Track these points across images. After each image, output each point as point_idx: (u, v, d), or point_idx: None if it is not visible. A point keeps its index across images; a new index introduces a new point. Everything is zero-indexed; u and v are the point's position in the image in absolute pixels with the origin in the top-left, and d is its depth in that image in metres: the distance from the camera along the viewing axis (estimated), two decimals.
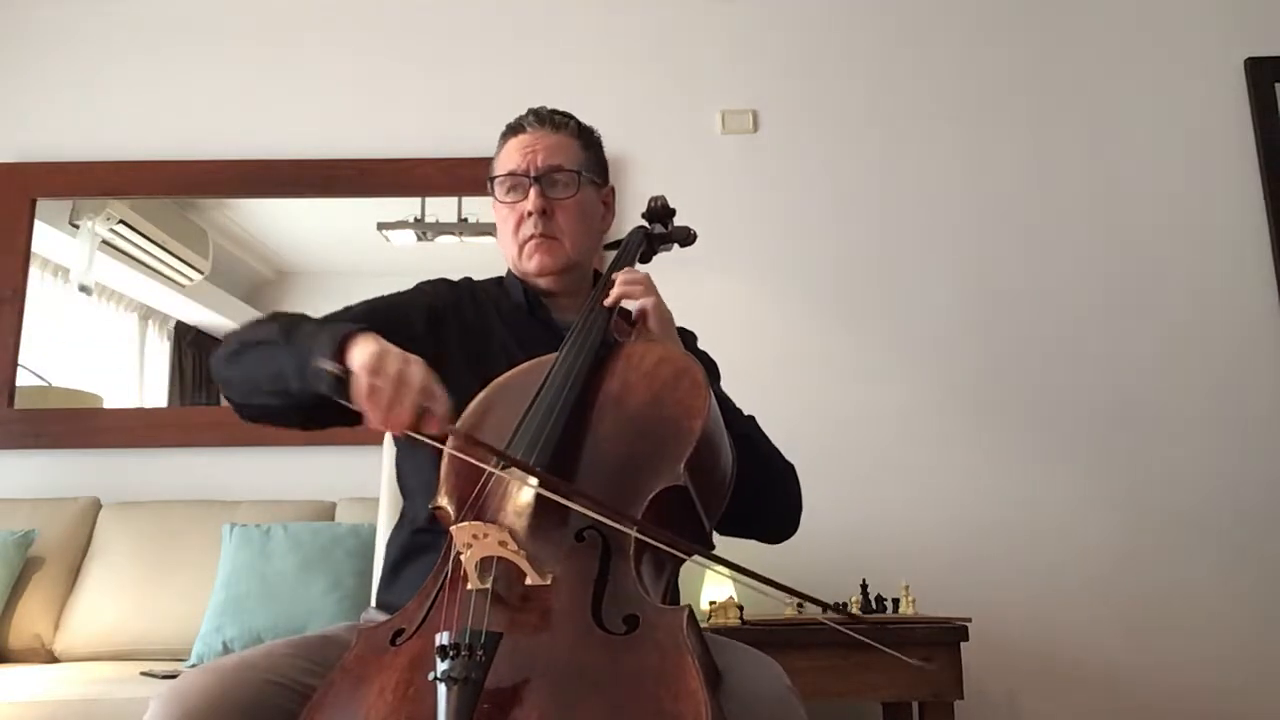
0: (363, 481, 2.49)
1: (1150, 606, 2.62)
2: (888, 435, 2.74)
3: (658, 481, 0.97)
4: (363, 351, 0.98)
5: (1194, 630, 2.61)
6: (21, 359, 2.79)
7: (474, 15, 3.06)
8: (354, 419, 1.02)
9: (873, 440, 2.73)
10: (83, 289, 2.91)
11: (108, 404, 2.86)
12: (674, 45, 3.03)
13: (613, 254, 1.41)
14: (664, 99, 2.98)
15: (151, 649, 2.33)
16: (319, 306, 1.23)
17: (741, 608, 2.11)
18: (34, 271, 2.87)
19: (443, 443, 1.03)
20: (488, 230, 2.90)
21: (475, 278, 1.44)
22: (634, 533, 0.92)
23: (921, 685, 1.99)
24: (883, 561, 2.44)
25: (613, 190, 1.44)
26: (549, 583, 0.89)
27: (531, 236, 1.31)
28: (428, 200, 2.94)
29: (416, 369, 0.98)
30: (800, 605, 2.19)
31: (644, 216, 1.47)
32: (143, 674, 2.01)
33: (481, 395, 1.16)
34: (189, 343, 2.99)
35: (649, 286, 1.24)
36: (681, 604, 0.90)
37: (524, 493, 0.99)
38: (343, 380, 0.97)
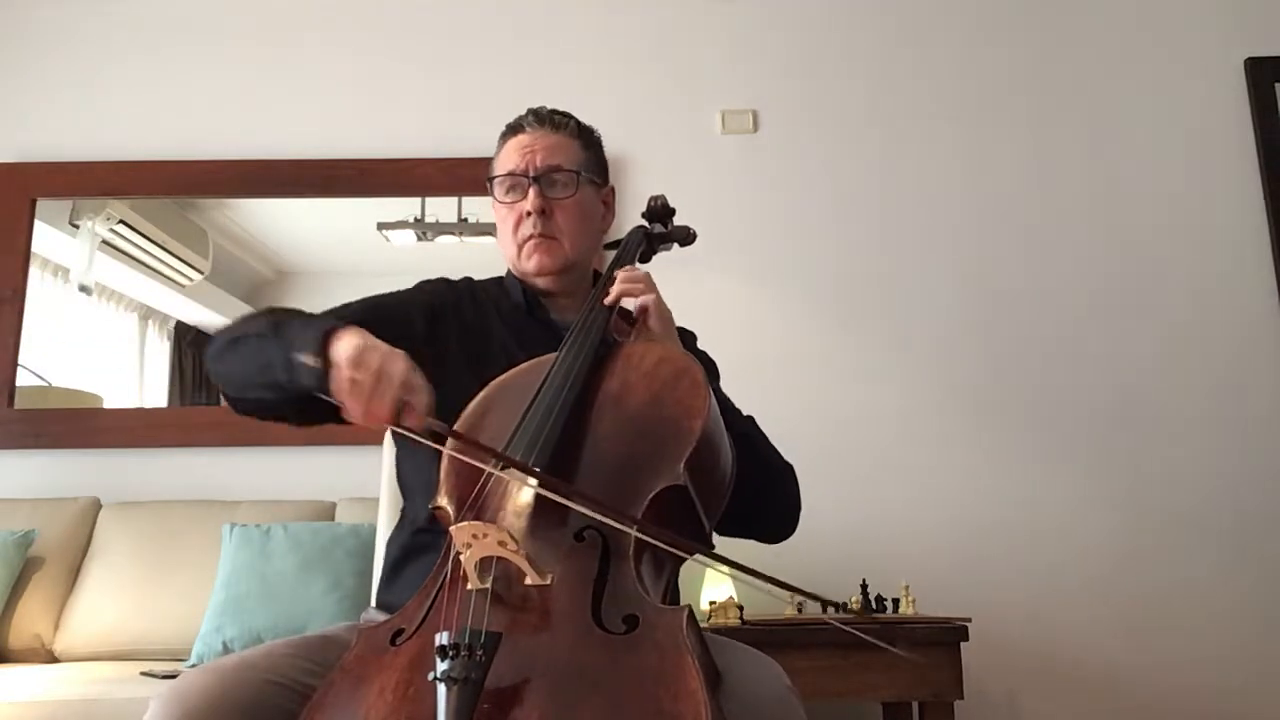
0: (363, 481, 2.49)
1: (1150, 606, 2.62)
2: (888, 435, 2.74)
3: (657, 481, 0.97)
4: (345, 345, 0.98)
5: (1194, 630, 2.61)
6: (21, 359, 2.79)
7: (474, 15, 3.06)
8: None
9: (873, 440, 2.73)
10: (83, 289, 2.91)
11: (108, 404, 2.86)
12: (674, 45, 3.03)
13: (613, 254, 1.41)
14: (664, 99, 2.98)
15: (151, 649, 2.33)
16: (319, 307, 1.23)
17: (741, 608, 2.11)
18: (34, 271, 2.87)
19: (440, 443, 1.03)
20: (488, 230, 2.90)
21: (475, 278, 1.44)
22: (634, 531, 0.92)
23: (921, 685, 1.98)
24: (883, 561, 2.44)
25: (613, 190, 1.44)
26: (549, 583, 0.89)
27: (530, 236, 1.31)
28: (428, 200, 2.94)
29: (397, 362, 0.97)
30: (800, 605, 2.20)
31: (644, 216, 1.47)
32: (143, 674, 2.01)
33: (481, 395, 1.16)
34: (189, 343, 2.99)
35: (649, 284, 1.24)
36: (681, 604, 0.90)
37: (524, 493, 0.99)
38: (323, 374, 0.97)
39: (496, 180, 1.34)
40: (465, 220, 2.95)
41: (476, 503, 0.99)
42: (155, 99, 3.00)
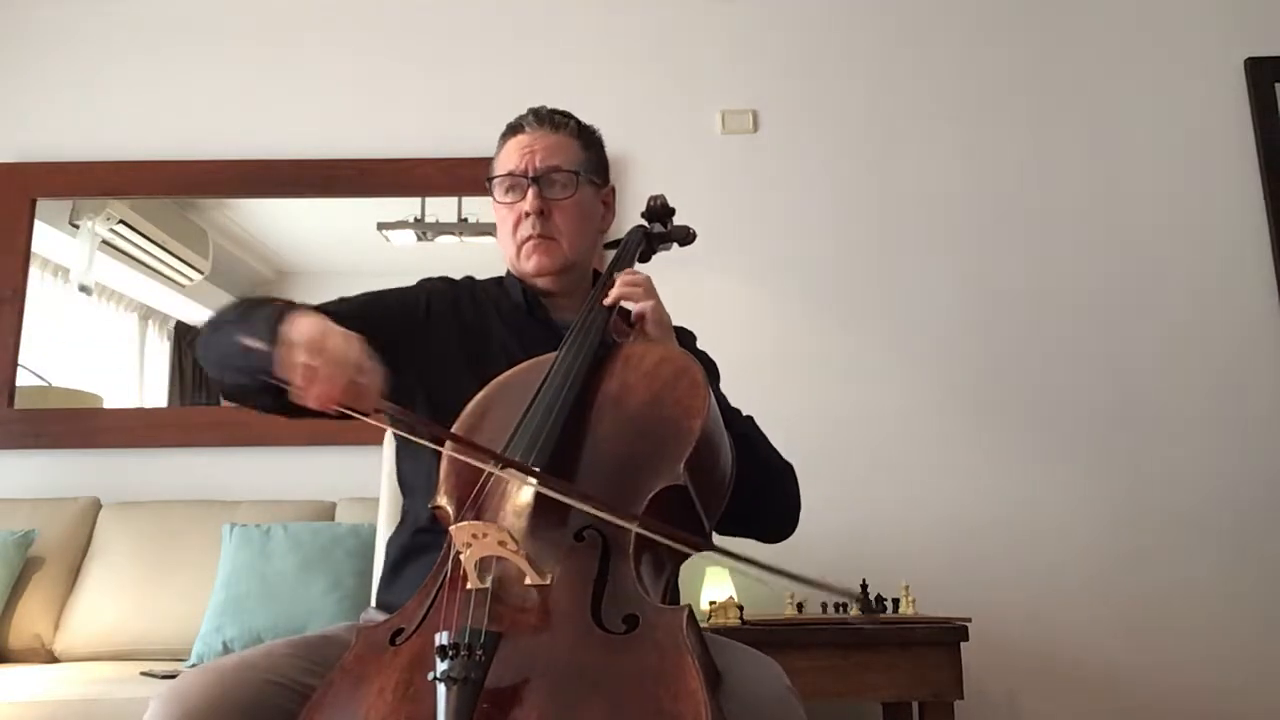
0: (363, 481, 2.50)
1: (1150, 606, 2.62)
2: (887, 435, 2.74)
3: (657, 481, 0.97)
4: (294, 326, 0.97)
5: (1194, 630, 2.61)
6: (21, 359, 2.79)
7: (474, 15, 3.06)
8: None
9: (872, 440, 2.73)
10: (83, 289, 2.91)
11: (108, 404, 2.86)
12: (674, 45, 3.03)
13: (613, 253, 1.41)
14: (664, 99, 2.98)
15: (151, 649, 2.33)
16: None
17: (741, 608, 2.11)
18: (34, 271, 2.87)
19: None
20: (488, 230, 2.90)
21: (476, 277, 1.44)
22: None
23: (921, 685, 1.98)
24: (883, 561, 2.44)
25: (613, 190, 1.44)
26: (548, 582, 0.89)
27: (529, 237, 1.31)
28: (428, 200, 2.94)
29: (347, 343, 0.96)
30: (800, 605, 2.20)
31: (643, 216, 1.47)
32: (143, 674, 2.01)
33: (481, 394, 1.16)
34: (189, 343, 2.99)
35: (649, 289, 1.23)
36: (681, 604, 0.90)
37: (523, 492, 0.99)
38: (270, 356, 0.95)
39: (496, 180, 1.34)
40: (465, 220, 2.95)
41: (476, 502, 0.99)
42: (155, 99, 3.00)
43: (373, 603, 1.30)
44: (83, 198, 2.92)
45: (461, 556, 0.90)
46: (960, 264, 2.86)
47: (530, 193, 1.30)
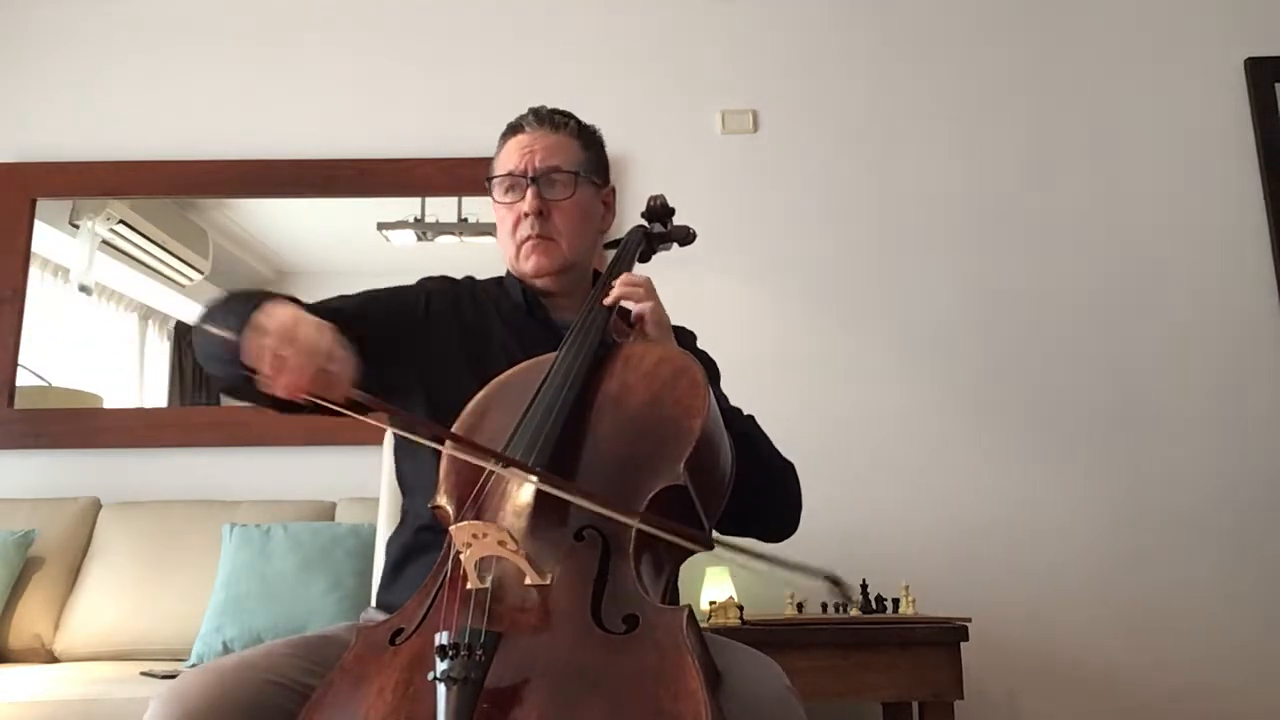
0: (363, 481, 2.49)
1: (1150, 606, 2.62)
2: (887, 435, 2.74)
3: (657, 481, 0.97)
4: (265, 315, 0.95)
5: (1194, 630, 2.60)
6: (21, 359, 2.79)
7: (474, 15, 3.06)
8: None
9: (872, 440, 2.73)
10: (83, 289, 2.91)
11: (108, 404, 2.86)
12: (674, 45, 3.03)
13: (613, 253, 1.41)
14: (664, 99, 2.98)
15: (151, 649, 2.33)
16: None
17: (741, 608, 2.11)
18: (34, 271, 2.87)
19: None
20: (488, 230, 2.90)
21: (477, 277, 1.44)
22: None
23: (921, 685, 1.98)
24: (883, 561, 2.44)
25: (613, 190, 1.44)
26: (548, 582, 0.89)
27: (529, 237, 1.31)
28: (428, 200, 2.94)
29: (318, 332, 0.95)
30: (800, 605, 2.20)
31: (643, 216, 1.47)
32: (143, 674, 2.01)
33: (481, 394, 1.16)
34: (189, 343, 2.99)
35: (649, 290, 1.23)
36: (681, 604, 0.90)
37: (523, 492, 0.99)
38: (238, 345, 0.94)
39: (496, 180, 1.34)
40: (465, 220, 2.95)
41: (476, 502, 0.99)
42: (155, 99, 3.00)
43: (373, 602, 1.30)
44: (83, 198, 2.92)
45: (461, 556, 0.90)
46: (960, 264, 2.86)
47: (530, 193, 1.30)
